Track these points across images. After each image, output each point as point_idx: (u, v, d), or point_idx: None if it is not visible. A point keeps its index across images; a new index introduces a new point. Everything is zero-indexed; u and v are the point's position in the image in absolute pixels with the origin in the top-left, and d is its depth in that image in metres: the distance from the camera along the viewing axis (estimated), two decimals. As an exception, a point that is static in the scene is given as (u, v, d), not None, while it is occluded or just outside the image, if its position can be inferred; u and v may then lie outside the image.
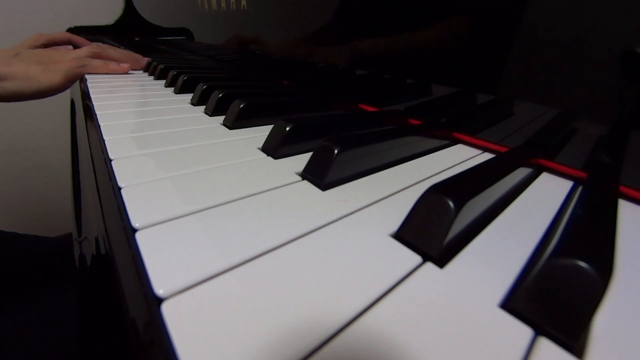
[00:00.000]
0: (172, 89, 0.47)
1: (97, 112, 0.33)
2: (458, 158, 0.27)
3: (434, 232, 0.14)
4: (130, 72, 0.61)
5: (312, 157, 0.21)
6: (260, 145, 0.26)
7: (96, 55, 0.58)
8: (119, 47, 0.75)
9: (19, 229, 0.55)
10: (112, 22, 1.18)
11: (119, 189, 0.18)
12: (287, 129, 0.24)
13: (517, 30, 0.24)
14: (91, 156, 0.24)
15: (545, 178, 0.24)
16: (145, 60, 0.66)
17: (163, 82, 0.52)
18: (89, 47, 0.59)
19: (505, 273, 0.13)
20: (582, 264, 0.10)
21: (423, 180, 0.22)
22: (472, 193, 0.15)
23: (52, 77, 0.49)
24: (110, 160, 0.21)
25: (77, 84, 0.53)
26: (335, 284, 0.12)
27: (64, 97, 0.61)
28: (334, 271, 0.13)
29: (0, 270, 0.44)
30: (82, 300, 0.16)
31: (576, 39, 0.22)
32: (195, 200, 0.17)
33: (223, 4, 0.64)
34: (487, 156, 0.28)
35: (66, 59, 0.53)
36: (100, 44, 0.62)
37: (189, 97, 0.42)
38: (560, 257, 0.11)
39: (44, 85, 0.48)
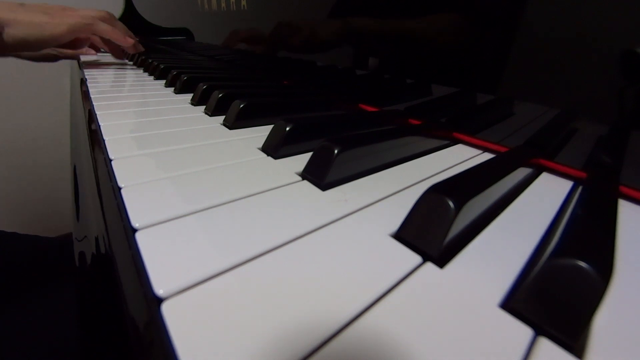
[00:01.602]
0: (172, 89, 0.47)
1: (97, 112, 0.33)
2: (458, 158, 0.27)
3: (434, 232, 0.14)
4: (129, 70, 0.62)
5: (312, 157, 0.21)
6: (260, 145, 0.26)
7: (103, 19, 0.59)
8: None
9: (19, 229, 0.55)
10: (112, 22, 1.17)
11: (119, 189, 0.18)
12: (287, 129, 0.24)
13: (517, 30, 0.24)
14: (91, 156, 0.24)
15: (545, 178, 0.24)
16: (133, 41, 0.67)
17: (163, 82, 0.52)
18: (98, 11, 0.60)
19: (505, 273, 0.13)
20: (582, 264, 0.10)
21: (423, 180, 0.22)
22: (472, 193, 0.15)
23: (56, 27, 0.50)
24: (110, 160, 0.21)
25: (77, 84, 0.53)
26: (335, 284, 0.12)
27: (64, 97, 0.61)
28: (334, 271, 0.13)
29: (0, 270, 0.44)
30: (82, 300, 0.16)
31: (576, 39, 0.22)
32: (195, 200, 0.17)
33: (223, 4, 0.64)
34: (487, 156, 0.28)
35: (73, 14, 0.54)
36: (109, 12, 0.64)
37: (189, 97, 0.42)
38: (560, 257, 0.11)
39: (48, 33, 0.49)
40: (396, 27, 0.33)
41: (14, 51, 0.49)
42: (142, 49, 0.71)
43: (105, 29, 0.58)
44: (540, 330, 0.11)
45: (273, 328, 0.10)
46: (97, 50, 0.83)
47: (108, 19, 0.61)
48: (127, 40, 0.62)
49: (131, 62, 0.75)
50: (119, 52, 0.73)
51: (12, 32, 0.47)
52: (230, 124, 0.30)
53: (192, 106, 0.38)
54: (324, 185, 0.19)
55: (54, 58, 0.71)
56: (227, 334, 0.10)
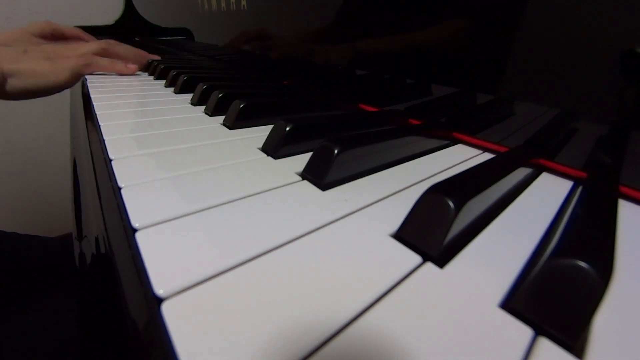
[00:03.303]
0: (172, 89, 0.47)
1: (97, 112, 0.33)
2: (458, 158, 0.27)
3: (434, 232, 0.14)
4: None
5: (312, 157, 0.21)
6: (260, 145, 0.26)
7: (104, 52, 0.58)
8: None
9: (19, 229, 0.55)
10: (112, 22, 1.17)
11: (119, 189, 0.18)
12: (287, 129, 0.24)
13: (517, 30, 0.24)
14: (91, 156, 0.24)
15: (545, 178, 0.24)
16: (150, 56, 0.67)
17: (163, 82, 0.52)
18: (97, 43, 0.58)
19: (505, 273, 0.13)
20: (582, 264, 0.10)
21: (423, 180, 0.22)
22: (472, 193, 0.15)
23: (59, 74, 0.49)
24: (110, 160, 0.21)
25: (78, 84, 0.53)
26: (335, 284, 0.12)
27: (64, 97, 0.61)
28: (334, 271, 0.13)
29: (0, 270, 0.44)
30: (82, 301, 0.16)
31: (576, 39, 0.22)
32: (195, 200, 0.17)
33: (223, 4, 0.64)
34: (487, 156, 0.28)
35: (73, 55, 0.53)
36: (109, 40, 0.62)
37: (189, 97, 0.42)
38: (560, 257, 0.11)
39: (51, 82, 0.48)
40: (396, 27, 0.33)
41: (18, 99, 0.48)
42: (156, 56, 0.69)
43: (104, 65, 0.56)
44: (540, 330, 0.11)
45: (273, 328, 0.10)
46: None
47: (108, 49, 0.59)
48: (129, 69, 0.60)
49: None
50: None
51: (15, 83, 0.45)
52: (230, 124, 0.30)
53: (192, 106, 0.38)
54: (324, 185, 0.19)
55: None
56: (227, 333, 0.10)
